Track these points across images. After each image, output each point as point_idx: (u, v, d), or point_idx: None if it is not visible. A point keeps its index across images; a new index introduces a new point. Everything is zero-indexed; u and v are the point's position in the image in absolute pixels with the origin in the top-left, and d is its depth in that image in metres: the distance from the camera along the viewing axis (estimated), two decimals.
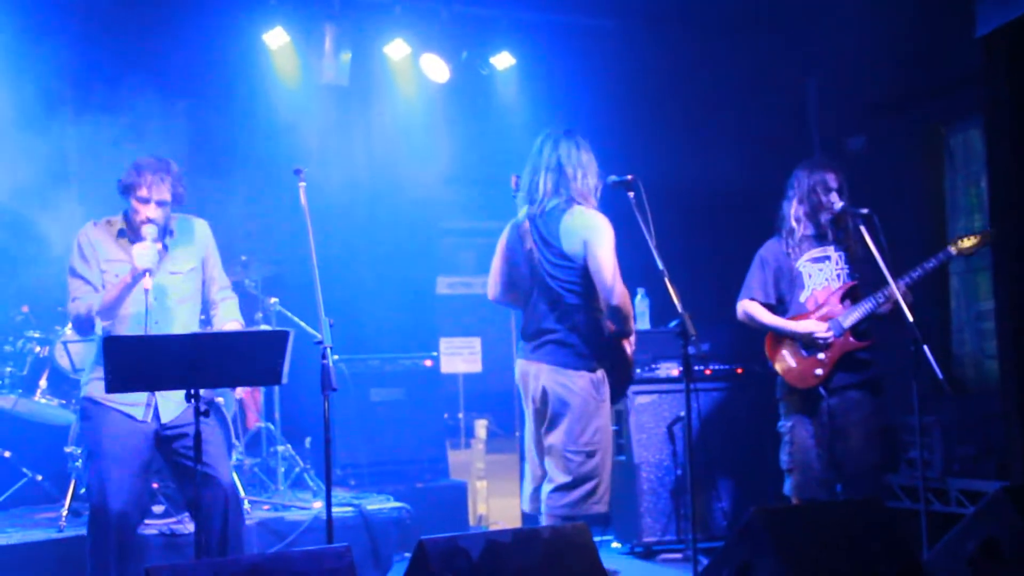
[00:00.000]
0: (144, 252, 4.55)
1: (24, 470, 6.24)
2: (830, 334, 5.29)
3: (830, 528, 4.15)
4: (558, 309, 4.91)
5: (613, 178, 4.98)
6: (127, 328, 4.68)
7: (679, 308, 4.76)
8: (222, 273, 5.01)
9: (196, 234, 4.92)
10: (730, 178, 6.83)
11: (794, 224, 5.45)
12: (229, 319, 4.95)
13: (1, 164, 6.45)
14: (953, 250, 5.21)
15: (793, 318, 5.43)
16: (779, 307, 5.50)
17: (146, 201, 4.66)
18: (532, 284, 4.99)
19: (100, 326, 4.68)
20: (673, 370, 6.72)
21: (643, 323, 6.94)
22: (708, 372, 6.65)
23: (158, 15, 6.99)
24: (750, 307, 5.49)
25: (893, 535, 4.14)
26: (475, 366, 7.75)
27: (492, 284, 5.26)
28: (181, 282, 4.82)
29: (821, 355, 5.32)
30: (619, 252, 6.50)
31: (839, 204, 5.32)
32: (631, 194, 4.91)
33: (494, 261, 5.28)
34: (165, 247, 4.79)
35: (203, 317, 5.04)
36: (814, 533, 4.12)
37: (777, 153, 7.07)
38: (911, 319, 4.89)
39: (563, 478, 4.78)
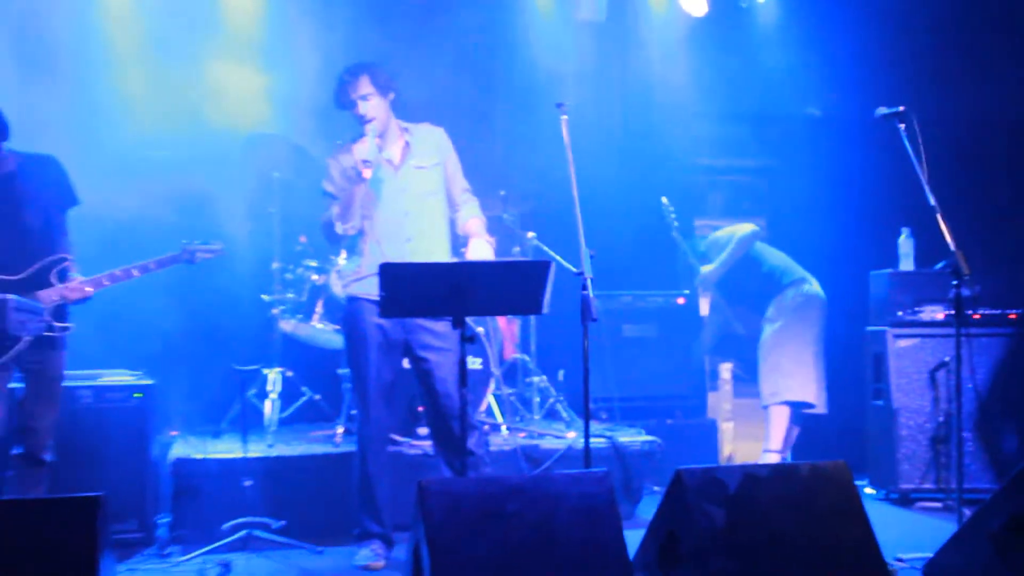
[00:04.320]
0: (362, 146, 4.93)
1: (303, 389, 6.64)
2: None
3: None
4: None
5: (883, 109, 4.91)
6: (382, 226, 5.03)
7: (952, 246, 4.62)
8: (462, 176, 5.29)
9: (435, 137, 5.25)
10: (1005, 112, 6.46)
11: None
12: (471, 216, 5.24)
13: (283, 102, 6.85)
14: None
15: None
16: None
17: (353, 104, 5.03)
18: None
19: (354, 224, 5.01)
20: (937, 313, 6.44)
21: (907, 264, 6.69)
22: (976, 316, 6.32)
23: None
24: None
25: None
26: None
27: None
28: (427, 175, 5.14)
29: None
30: (886, 190, 6.26)
31: None
32: (902, 126, 4.81)
33: None
34: (408, 146, 5.13)
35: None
36: None
37: None
38: None
39: None
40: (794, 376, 6.63)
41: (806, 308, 6.68)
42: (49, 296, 4.73)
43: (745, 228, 6.84)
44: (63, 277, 4.80)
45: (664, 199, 6.92)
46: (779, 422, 6.65)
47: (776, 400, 6.65)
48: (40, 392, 4.83)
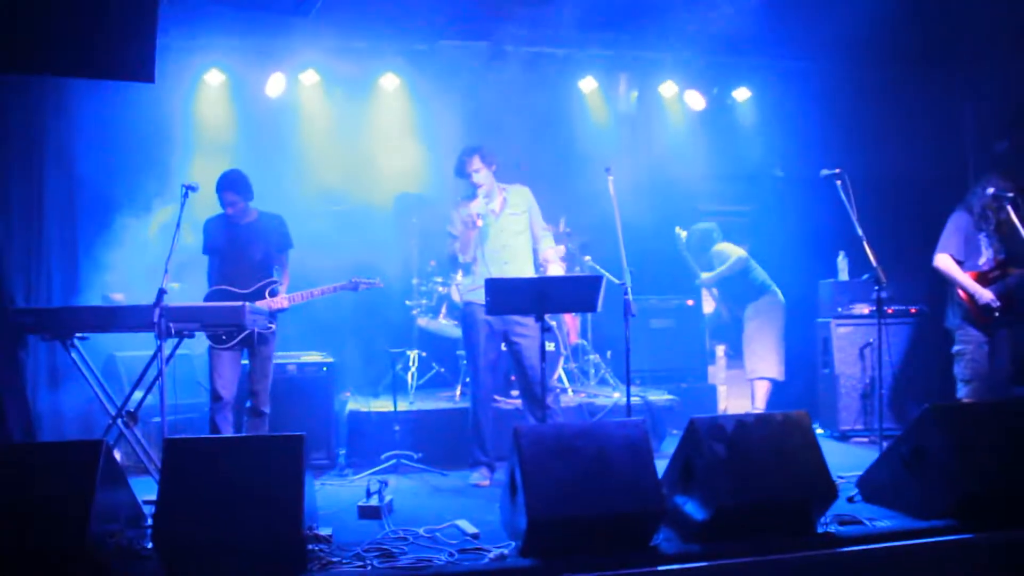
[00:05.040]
0: (475, 203, 4.94)
1: (433, 364, 6.68)
2: (998, 304, 5.08)
3: (992, 420, 3.94)
4: None
5: (825, 171, 4.86)
6: (487, 254, 5.04)
7: (873, 263, 4.59)
8: (541, 218, 5.26)
9: (523, 193, 5.22)
10: (915, 169, 6.38)
11: (978, 217, 5.19)
12: (547, 247, 5.22)
13: (421, 169, 6.90)
14: None
15: (972, 274, 5.21)
16: (964, 264, 5.24)
17: (469, 175, 5.03)
18: None
19: (470, 255, 5.03)
20: (864, 309, 6.42)
21: (843, 275, 6.66)
22: (890, 311, 6.26)
23: (519, 80, 7.20)
24: (947, 260, 5.22)
25: None
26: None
27: None
28: (518, 219, 5.12)
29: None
30: (828, 225, 6.24)
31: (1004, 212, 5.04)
32: (839, 182, 4.79)
33: None
34: (505, 200, 5.10)
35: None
36: (979, 424, 3.90)
37: (939, 158, 6.55)
38: None
39: None
40: (765, 359, 6.51)
41: (773, 310, 6.59)
42: (263, 305, 4.91)
43: (739, 252, 6.68)
44: (272, 294, 4.99)
45: (678, 228, 6.79)
46: (760, 389, 6.59)
47: (755, 376, 6.53)
48: (260, 367, 4.98)
